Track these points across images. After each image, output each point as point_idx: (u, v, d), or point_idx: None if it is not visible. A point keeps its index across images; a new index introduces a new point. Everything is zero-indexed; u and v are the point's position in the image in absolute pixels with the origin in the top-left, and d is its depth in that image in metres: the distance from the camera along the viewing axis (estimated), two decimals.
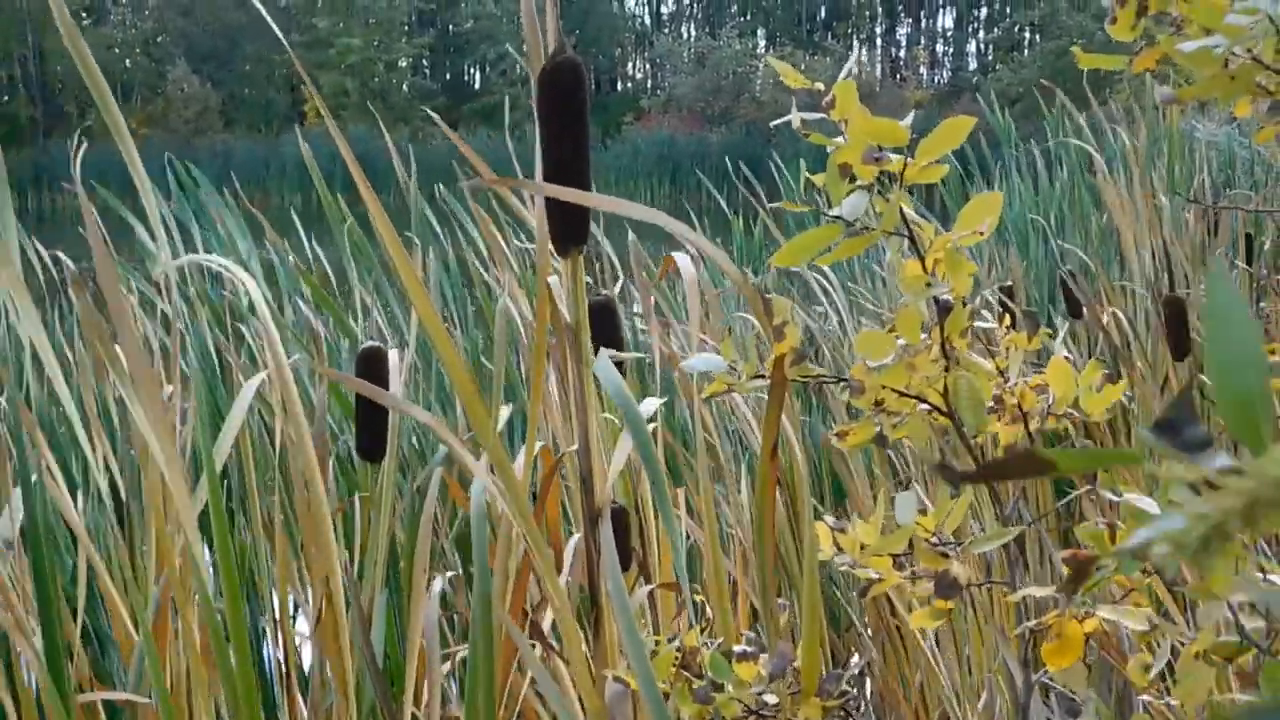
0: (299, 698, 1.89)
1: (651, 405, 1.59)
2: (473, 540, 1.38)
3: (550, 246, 1.21)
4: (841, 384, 1.06)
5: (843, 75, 0.99)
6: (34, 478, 1.52)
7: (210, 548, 3.24)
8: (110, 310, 1.22)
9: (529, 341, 2.29)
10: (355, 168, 1.14)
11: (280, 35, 1.43)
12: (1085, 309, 3.44)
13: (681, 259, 1.68)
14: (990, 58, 48.30)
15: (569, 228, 1.16)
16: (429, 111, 2.72)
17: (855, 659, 1.16)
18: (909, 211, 1.00)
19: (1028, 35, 47.20)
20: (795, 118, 1.02)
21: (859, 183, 0.99)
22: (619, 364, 1.37)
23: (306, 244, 4.11)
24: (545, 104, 1.15)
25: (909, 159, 0.98)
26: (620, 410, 1.19)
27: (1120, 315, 3.49)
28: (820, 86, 1.02)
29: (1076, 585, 0.84)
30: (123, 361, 1.27)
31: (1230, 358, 0.31)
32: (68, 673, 1.54)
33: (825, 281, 3.52)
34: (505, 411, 1.86)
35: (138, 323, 2.93)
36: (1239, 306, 0.32)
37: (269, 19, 1.46)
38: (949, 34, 51.47)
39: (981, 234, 1.01)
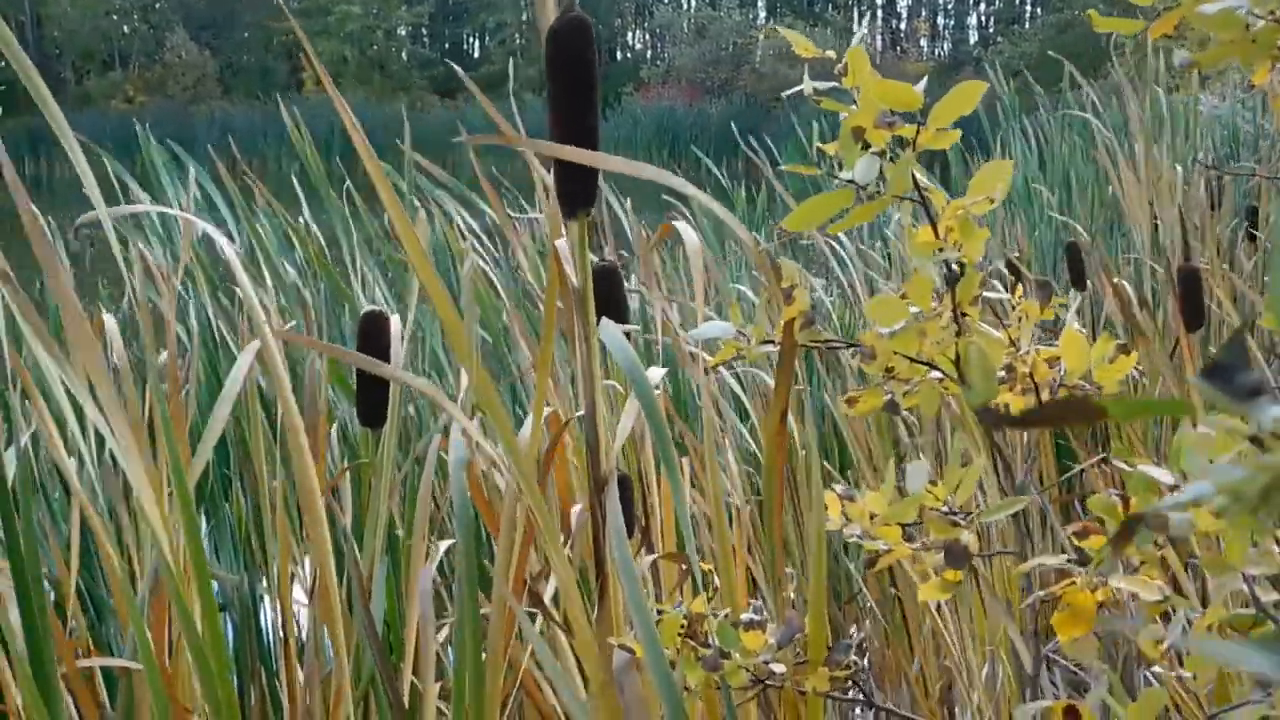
0: (296, 665, 1.88)
1: (656, 374, 1.57)
2: (455, 512, 1.37)
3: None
4: (852, 349, 1.05)
5: (855, 42, 0.97)
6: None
7: (208, 518, 3.24)
8: (63, 306, 1.21)
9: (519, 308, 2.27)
10: (356, 133, 1.13)
11: (280, 2, 1.41)
12: (1090, 279, 3.42)
13: (682, 225, 1.66)
14: (991, 30, 48.15)
15: (577, 189, 1.14)
16: (459, 70, 2.68)
17: (856, 630, 1.16)
18: (920, 177, 0.98)
19: (1029, 8, 47.04)
20: (808, 86, 1.01)
21: (871, 148, 0.98)
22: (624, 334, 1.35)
23: (291, 213, 4.09)
24: (554, 63, 1.13)
25: (921, 124, 0.97)
26: (627, 376, 1.17)
27: (1127, 286, 3.48)
28: (832, 54, 1.01)
29: (1124, 541, 0.82)
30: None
31: None
32: (49, 640, 1.52)
33: (839, 247, 3.50)
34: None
35: (138, 288, 2.91)
36: None
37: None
38: (949, 6, 51.29)
39: (993, 201, 1.00)
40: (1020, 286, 1.08)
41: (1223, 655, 0.24)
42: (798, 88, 1.00)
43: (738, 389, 2.86)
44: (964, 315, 1.00)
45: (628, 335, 1.24)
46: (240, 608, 2.66)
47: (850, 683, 1.12)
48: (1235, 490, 0.27)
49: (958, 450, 1.03)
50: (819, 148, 1.02)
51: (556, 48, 1.12)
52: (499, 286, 2.80)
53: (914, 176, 0.96)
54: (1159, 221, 3.80)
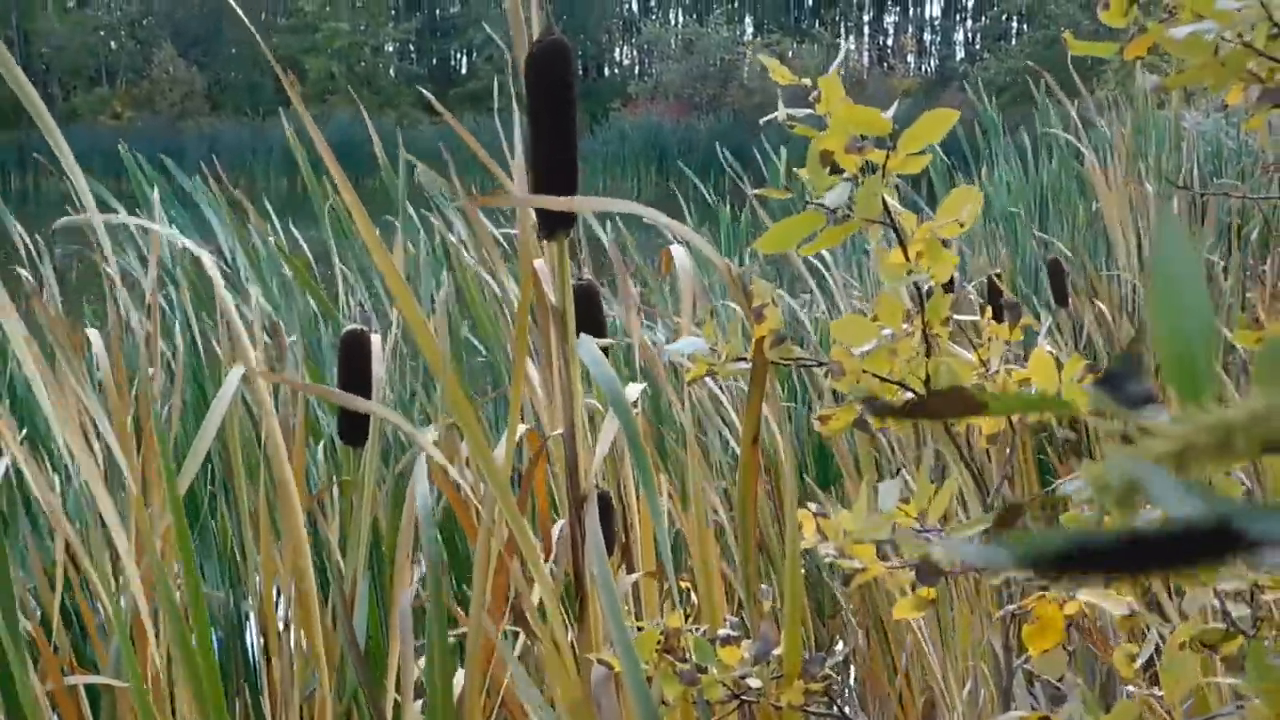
0: (279, 680, 1.88)
1: (634, 391, 1.58)
2: (423, 542, 1.37)
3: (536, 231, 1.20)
4: (823, 368, 1.06)
5: (833, 68, 0.98)
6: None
7: (193, 534, 3.24)
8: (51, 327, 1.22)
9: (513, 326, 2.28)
10: (329, 157, 1.14)
11: (251, 27, 1.42)
12: (1070, 297, 3.44)
13: (678, 253, 1.67)
14: (978, 46, 48.33)
15: (556, 213, 1.15)
16: (423, 91, 2.71)
17: (840, 645, 1.17)
18: (891, 201, 0.99)
19: (1015, 24, 47.22)
20: (782, 113, 1.02)
21: (844, 173, 0.99)
22: (603, 351, 1.36)
23: (285, 228, 4.09)
24: (532, 88, 1.14)
25: (891, 149, 0.98)
26: (606, 395, 1.19)
27: (1107, 304, 3.50)
28: (807, 82, 1.02)
29: (1005, 526, 0.84)
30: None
31: (1174, 306, 0.31)
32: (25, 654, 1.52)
33: (820, 264, 3.52)
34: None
35: (121, 306, 2.92)
36: (1187, 255, 0.31)
37: (244, 17, 1.45)
38: (936, 22, 51.47)
39: (962, 224, 1.01)
40: (989, 308, 1.09)
41: (944, 551, 0.26)
42: (772, 115, 1.01)
43: (726, 403, 2.87)
44: (934, 335, 1.01)
45: (605, 351, 1.25)
46: (225, 623, 2.66)
47: (827, 696, 1.13)
48: (1101, 482, 0.29)
49: (927, 468, 1.05)
50: (792, 171, 1.04)
51: (536, 73, 1.13)
52: (499, 300, 2.81)
53: (884, 200, 0.97)
54: (1141, 238, 3.83)
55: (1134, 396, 0.32)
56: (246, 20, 1.41)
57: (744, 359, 1.09)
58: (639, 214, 1.11)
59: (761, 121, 1.15)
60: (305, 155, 2.83)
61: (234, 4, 1.48)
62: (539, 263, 1.21)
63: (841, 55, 1.06)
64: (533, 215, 1.22)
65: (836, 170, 0.98)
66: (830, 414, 1.08)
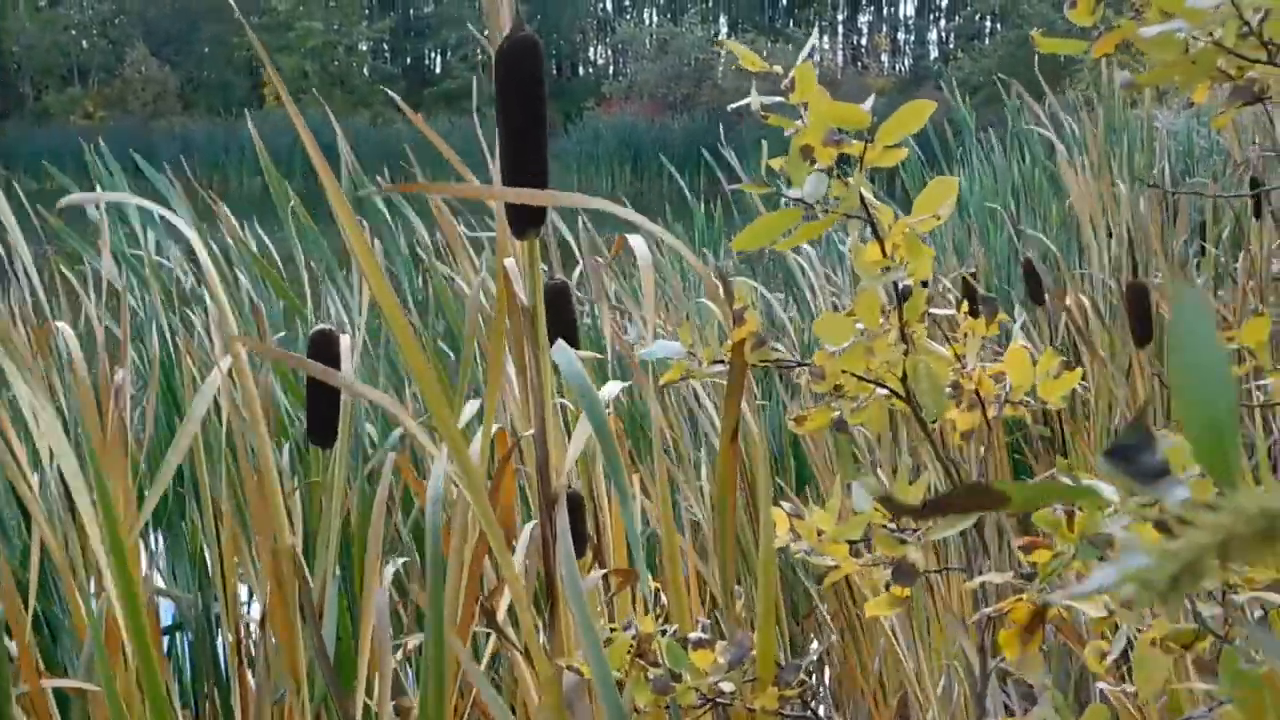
0: (250, 685, 1.87)
1: (612, 390, 1.57)
2: (427, 528, 1.36)
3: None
4: (800, 368, 1.05)
5: (802, 57, 0.97)
6: None
7: (164, 534, 3.21)
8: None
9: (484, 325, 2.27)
10: (314, 148, 1.12)
11: (241, 18, 1.41)
12: (1046, 295, 3.45)
13: (634, 239, 1.66)
14: (951, 46, 48.48)
15: (526, 211, 1.14)
16: (390, 94, 2.71)
17: (814, 645, 1.16)
18: (868, 195, 0.98)
19: (989, 24, 47.36)
20: (755, 100, 1.01)
21: (818, 165, 0.98)
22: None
23: (255, 229, 4.06)
24: (502, 85, 1.13)
25: (869, 142, 0.97)
26: (579, 399, 1.17)
27: (1084, 301, 3.50)
28: (779, 70, 1.01)
29: (1032, 634, 0.83)
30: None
31: (1198, 383, 0.30)
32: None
33: (794, 257, 3.51)
34: (471, 406, 1.81)
35: (91, 303, 2.89)
36: (1207, 330, 0.30)
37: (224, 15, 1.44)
38: (910, 22, 51.63)
39: (939, 218, 1.00)
40: (966, 303, 1.09)
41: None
42: (744, 100, 1.00)
43: (705, 398, 2.86)
44: (911, 332, 1.00)
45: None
46: (195, 626, 2.64)
47: (801, 701, 1.12)
48: (1142, 578, 0.27)
49: (905, 468, 1.04)
50: (768, 165, 1.02)
51: (506, 69, 1.12)
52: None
53: (861, 194, 0.96)
54: (1113, 237, 3.84)
55: (1148, 470, 0.31)
56: (234, 13, 1.40)
57: (721, 361, 1.08)
58: (613, 211, 1.09)
59: (731, 108, 1.14)
60: (268, 158, 2.81)
61: (214, 1, 1.46)
62: (509, 262, 1.20)
63: (809, 46, 1.04)
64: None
65: (814, 164, 0.97)
66: (805, 415, 1.07)
